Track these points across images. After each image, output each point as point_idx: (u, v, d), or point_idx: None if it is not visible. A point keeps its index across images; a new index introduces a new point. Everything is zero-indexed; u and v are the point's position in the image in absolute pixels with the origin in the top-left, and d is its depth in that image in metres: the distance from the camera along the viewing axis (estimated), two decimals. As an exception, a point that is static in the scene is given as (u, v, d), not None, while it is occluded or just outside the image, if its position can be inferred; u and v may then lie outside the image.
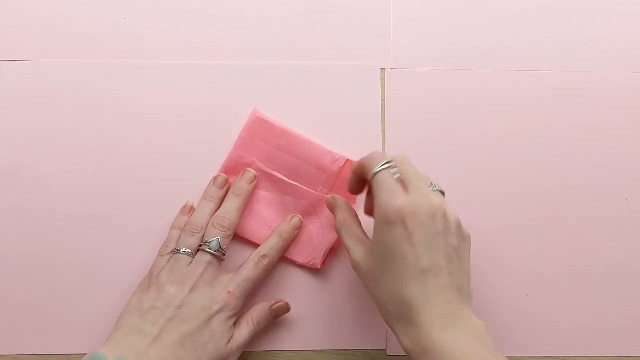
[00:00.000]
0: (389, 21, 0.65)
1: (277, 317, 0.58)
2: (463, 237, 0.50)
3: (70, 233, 0.60)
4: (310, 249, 0.60)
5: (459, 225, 0.50)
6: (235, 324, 0.55)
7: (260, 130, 0.61)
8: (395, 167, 0.50)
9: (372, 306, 0.59)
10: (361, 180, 0.54)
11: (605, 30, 0.65)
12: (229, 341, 0.53)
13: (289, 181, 0.60)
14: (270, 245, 0.58)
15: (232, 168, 0.60)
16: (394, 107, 0.63)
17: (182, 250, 0.55)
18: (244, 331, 0.55)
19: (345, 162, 0.59)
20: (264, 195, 0.61)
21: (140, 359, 0.49)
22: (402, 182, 0.49)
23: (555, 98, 0.63)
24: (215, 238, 0.55)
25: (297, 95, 0.63)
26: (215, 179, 0.59)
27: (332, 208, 0.56)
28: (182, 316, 0.52)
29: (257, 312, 0.57)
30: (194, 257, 0.55)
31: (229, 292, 0.54)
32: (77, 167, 0.61)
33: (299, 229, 0.60)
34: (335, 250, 0.60)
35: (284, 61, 0.63)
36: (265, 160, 0.60)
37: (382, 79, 0.63)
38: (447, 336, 0.45)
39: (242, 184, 0.59)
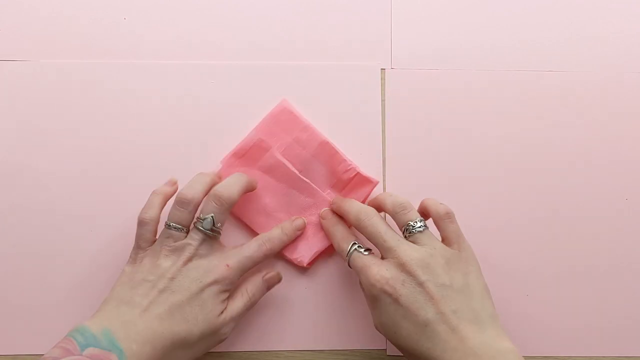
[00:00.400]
0: (389, 21, 0.65)
1: (270, 288, 0.58)
2: (457, 267, 0.51)
3: (70, 233, 0.60)
4: (302, 247, 0.60)
5: (447, 262, 0.50)
6: (229, 297, 0.55)
7: (284, 120, 0.61)
8: (360, 245, 0.54)
9: (372, 306, 0.59)
10: None
11: (605, 30, 0.65)
12: (222, 313, 0.53)
13: (301, 176, 0.60)
14: (273, 234, 0.57)
15: (249, 149, 0.60)
16: (394, 107, 0.63)
17: (172, 225, 0.53)
18: (239, 302, 0.55)
19: (355, 174, 0.60)
20: (272, 183, 0.60)
21: (127, 329, 0.48)
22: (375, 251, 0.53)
23: (555, 98, 0.63)
24: (209, 215, 0.53)
25: (297, 95, 0.63)
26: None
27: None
28: (172, 287, 0.51)
29: (251, 283, 0.56)
30: (185, 232, 0.54)
31: (227, 265, 0.53)
32: (77, 167, 0.61)
33: (301, 230, 0.59)
34: (330, 252, 0.60)
35: (284, 61, 0.63)
36: (282, 150, 0.61)
37: (382, 79, 0.63)
38: None
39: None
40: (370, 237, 0.53)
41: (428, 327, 0.47)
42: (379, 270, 0.50)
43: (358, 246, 0.54)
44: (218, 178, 0.58)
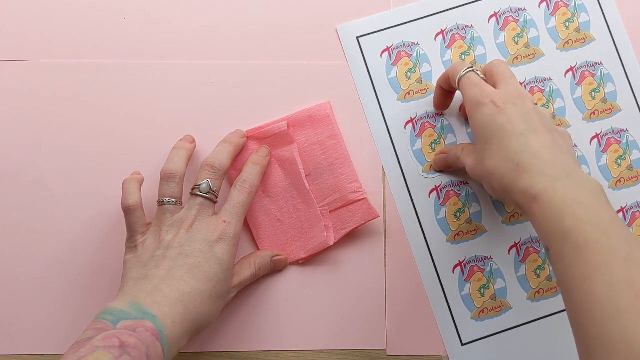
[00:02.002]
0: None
1: (275, 269, 0.60)
2: (562, 129, 0.53)
3: (70, 233, 0.60)
4: (283, 242, 0.60)
5: (553, 116, 0.54)
6: (237, 264, 0.57)
7: (319, 120, 0.61)
8: (478, 70, 0.55)
9: (372, 306, 0.60)
10: (447, 95, 0.59)
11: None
12: (233, 275, 0.55)
13: (305, 180, 0.60)
14: (247, 171, 0.58)
15: (272, 135, 0.60)
16: (394, 106, 0.63)
17: (165, 201, 0.54)
18: (246, 271, 0.57)
19: (363, 199, 0.60)
20: (279, 173, 0.61)
21: (154, 296, 0.49)
22: (492, 81, 0.54)
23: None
24: (204, 180, 0.54)
25: (297, 95, 0.63)
26: (184, 137, 0.60)
27: (446, 158, 0.60)
28: (185, 252, 0.52)
29: (260, 257, 0.58)
30: (179, 204, 0.55)
31: (224, 221, 0.54)
32: (77, 167, 0.61)
33: (269, 155, 0.60)
34: (327, 253, 0.60)
35: (284, 61, 0.63)
36: (303, 149, 0.61)
37: (383, 78, 0.63)
38: (559, 184, 0.46)
39: (232, 137, 0.59)
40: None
41: (523, 135, 0.49)
42: (494, 89, 0.52)
43: (476, 69, 0.55)
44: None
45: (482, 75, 0.54)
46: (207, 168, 0.55)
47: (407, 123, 0.63)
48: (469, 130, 0.63)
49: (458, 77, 0.54)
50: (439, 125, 0.63)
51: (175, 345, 0.48)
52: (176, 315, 0.48)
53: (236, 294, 0.56)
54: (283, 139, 0.60)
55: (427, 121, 0.63)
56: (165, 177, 0.55)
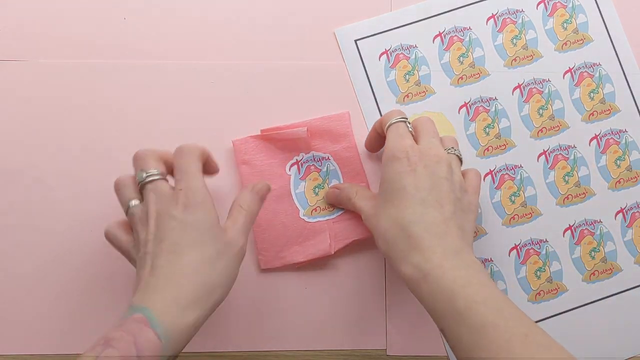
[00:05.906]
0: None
1: (263, 198, 0.54)
2: (468, 200, 0.52)
3: (70, 233, 0.60)
4: (282, 243, 0.60)
5: (462, 188, 0.52)
6: (227, 219, 0.52)
7: (337, 131, 0.61)
8: (410, 122, 0.55)
9: (372, 306, 0.60)
10: (379, 138, 0.58)
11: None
12: (225, 230, 0.50)
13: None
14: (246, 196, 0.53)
15: (290, 139, 0.60)
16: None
17: (131, 205, 0.50)
18: (240, 217, 0.51)
19: None
20: (285, 180, 0.61)
21: (144, 293, 0.45)
22: (416, 135, 0.54)
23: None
24: (138, 173, 0.50)
25: (297, 94, 0.63)
26: None
27: (338, 194, 0.59)
28: (159, 237, 0.48)
29: (241, 198, 0.53)
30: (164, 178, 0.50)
31: (180, 189, 0.49)
32: (77, 167, 0.61)
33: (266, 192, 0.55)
34: (326, 258, 0.60)
35: (285, 61, 0.63)
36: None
37: (382, 79, 0.64)
38: (447, 263, 0.46)
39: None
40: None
41: (423, 204, 0.49)
42: (414, 144, 0.52)
43: (408, 122, 0.54)
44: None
45: (411, 129, 0.54)
46: (134, 165, 0.51)
47: (407, 125, 0.63)
48: (468, 133, 0.63)
49: (388, 124, 0.54)
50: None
51: (177, 325, 0.45)
52: (167, 297, 0.45)
53: (245, 252, 0.51)
54: (300, 144, 0.60)
55: (426, 123, 0.63)
56: (139, 160, 0.51)
